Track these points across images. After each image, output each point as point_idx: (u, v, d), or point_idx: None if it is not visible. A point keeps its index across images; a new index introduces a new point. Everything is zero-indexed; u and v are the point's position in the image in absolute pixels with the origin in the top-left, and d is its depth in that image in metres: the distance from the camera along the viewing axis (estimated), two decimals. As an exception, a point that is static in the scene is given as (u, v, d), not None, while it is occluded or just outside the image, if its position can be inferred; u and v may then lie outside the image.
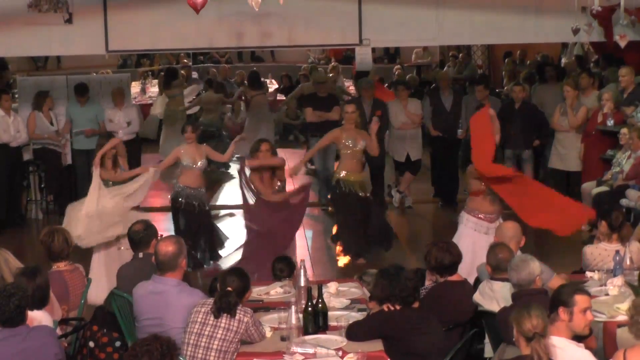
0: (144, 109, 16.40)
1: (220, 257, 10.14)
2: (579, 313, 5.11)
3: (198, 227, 9.90)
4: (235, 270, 5.98)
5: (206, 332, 5.58)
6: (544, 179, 12.62)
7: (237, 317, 5.59)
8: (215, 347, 5.55)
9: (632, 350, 4.72)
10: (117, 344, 6.61)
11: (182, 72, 18.67)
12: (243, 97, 16.66)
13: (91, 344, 6.58)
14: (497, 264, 6.17)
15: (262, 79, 17.21)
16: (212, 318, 5.60)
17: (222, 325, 5.58)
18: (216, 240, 10.17)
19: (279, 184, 9.26)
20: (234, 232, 10.66)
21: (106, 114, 12.89)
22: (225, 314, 5.58)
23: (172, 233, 9.50)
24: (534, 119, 12.38)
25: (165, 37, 11.85)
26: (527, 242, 7.01)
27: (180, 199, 9.81)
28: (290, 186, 10.49)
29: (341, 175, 10.18)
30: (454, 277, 6.55)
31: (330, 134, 10.45)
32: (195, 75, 20.41)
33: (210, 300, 5.71)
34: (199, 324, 5.61)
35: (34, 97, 12.53)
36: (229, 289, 5.66)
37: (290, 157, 15.62)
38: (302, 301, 6.06)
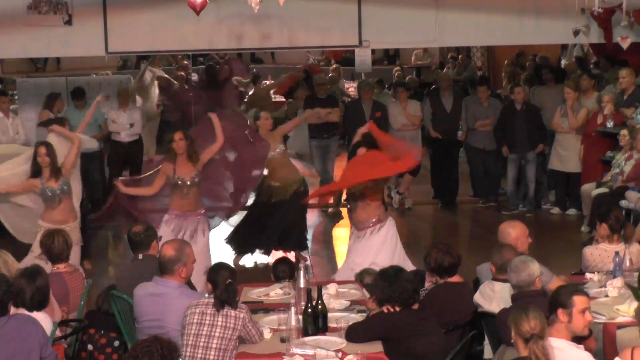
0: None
1: None
2: (577, 314, 5.11)
3: None
4: (222, 264, 6.07)
5: (204, 332, 5.58)
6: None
7: (233, 314, 5.61)
8: (214, 345, 5.55)
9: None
10: (116, 343, 6.63)
11: (182, 73, 18.64)
12: None
13: (90, 347, 6.58)
14: (502, 264, 6.16)
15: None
16: (208, 318, 5.61)
17: (219, 323, 5.59)
18: None
19: (195, 174, 8.89)
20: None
21: (110, 115, 12.87)
22: (221, 312, 5.59)
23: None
24: (536, 121, 12.38)
25: (165, 38, 11.84)
26: (528, 243, 7.00)
27: None
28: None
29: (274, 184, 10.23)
30: (453, 279, 6.55)
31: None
32: (194, 76, 20.39)
33: (204, 300, 5.72)
34: (195, 325, 5.62)
35: (45, 98, 12.52)
36: (230, 280, 5.72)
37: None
38: (302, 303, 6.06)
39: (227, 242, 10.51)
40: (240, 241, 10.42)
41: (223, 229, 10.24)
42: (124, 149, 12.80)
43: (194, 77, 20.22)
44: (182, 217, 8.84)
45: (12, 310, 5.67)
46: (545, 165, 12.57)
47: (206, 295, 5.99)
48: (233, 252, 10.50)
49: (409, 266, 8.07)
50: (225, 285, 5.69)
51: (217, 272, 5.86)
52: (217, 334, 5.58)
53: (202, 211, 9.04)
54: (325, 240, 11.39)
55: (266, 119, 10.32)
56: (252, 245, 10.36)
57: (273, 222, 10.14)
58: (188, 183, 8.77)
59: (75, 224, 8.94)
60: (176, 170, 8.77)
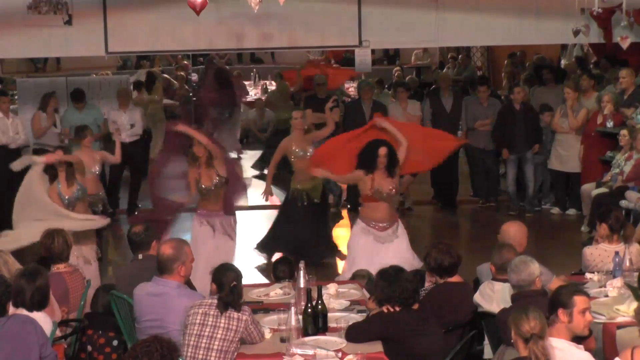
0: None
1: None
2: (578, 314, 5.12)
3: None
4: (228, 266, 6.00)
5: (206, 333, 5.58)
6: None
7: (235, 315, 5.60)
8: (215, 347, 5.55)
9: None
10: (115, 343, 6.63)
11: (182, 73, 18.66)
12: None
13: (89, 347, 6.58)
14: (502, 264, 6.16)
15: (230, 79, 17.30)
16: (211, 319, 5.60)
17: (222, 325, 5.58)
18: None
19: (217, 178, 8.81)
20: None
21: (110, 116, 12.86)
22: (224, 314, 5.58)
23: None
24: (535, 120, 12.39)
25: (164, 38, 11.84)
26: (526, 243, 7.01)
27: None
28: None
29: (298, 186, 10.26)
30: (453, 279, 6.55)
31: (279, 147, 10.38)
32: (194, 76, 20.40)
33: (207, 301, 5.71)
34: (197, 325, 5.61)
35: (40, 98, 12.52)
36: (234, 283, 5.68)
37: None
38: (302, 302, 6.06)
39: (258, 247, 10.58)
40: (269, 244, 10.48)
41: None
42: (124, 149, 12.75)
43: (194, 77, 20.25)
44: (210, 216, 8.85)
45: (12, 310, 5.67)
46: (545, 165, 12.58)
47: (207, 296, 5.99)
48: (260, 253, 10.54)
49: (419, 264, 8.08)
50: (230, 287, 5.66)
51: (222, 274, 5.79)
52: (219, 336, 5.57)
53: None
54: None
55: (300, 117, 10.30)
56: (280, 249, 10.32)
57: (302, 228, 10.18)
58: (212, 188, 8.76)
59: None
60: (200, 176, 8.74)
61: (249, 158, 15.74)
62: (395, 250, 8.58)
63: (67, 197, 8.67)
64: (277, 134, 15.31)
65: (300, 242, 10.11)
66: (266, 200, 10.48)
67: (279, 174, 11.02)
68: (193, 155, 8.71)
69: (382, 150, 8.52)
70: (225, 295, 5.63)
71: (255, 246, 10.68)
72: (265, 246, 10.63)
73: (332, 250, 10.56)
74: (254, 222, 11.90)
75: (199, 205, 8.91)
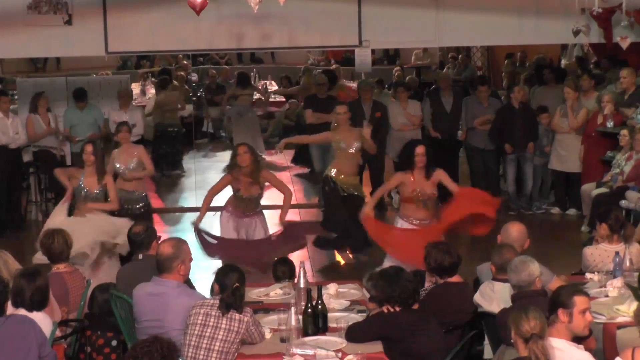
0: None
1: None
2: (578, 314, 5.11)
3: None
4: (232, 267, 5.97)
5: (207, 334, 5.57)
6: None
7: (237, 317, 5.59)
8: (216, 348, 5.55)
9: None
10: (114, 343, 6.64)
11: (182, 73, 18.66)
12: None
13: (88, 348, 6.58)
14: (502, 264, 6.16)
15: (251, 80, 17.40)
16: (212, 319, 5.59)
17: (223, 326, 5.58)
18: None
19: (259, 192, 8.92)
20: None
21: (111, 116, 12.87)
22: (226, 315, 5.58)
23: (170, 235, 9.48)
24: (533, 121, 12.39)
25: (165, 38, 11.83)
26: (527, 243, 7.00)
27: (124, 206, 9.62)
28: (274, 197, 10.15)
29: (332, 172, 10.16)
30: (453, 279, 6.55)
31: (323, 133, 10.46)
32: (194, 76, 20.41)
33: (209, 301, 5.70)
34: (199, 326, 5.61)
35: (30, 101, 12.51)
36: (237, 285, 5.66)
37: (289, 158, 15.74)
38: (302, 303, 6.07)
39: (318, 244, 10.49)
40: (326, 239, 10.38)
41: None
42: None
43: (194, 77, 20.26)
44: (240, 217, 8.87)
45: (12, 310, 5.68)
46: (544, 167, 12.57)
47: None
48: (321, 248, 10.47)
49: None
50: (232, 289, 5.65)
51: (226, 275, 5.77)
52: (220, 337, 5.57)
53: (259, 210, 9.08)
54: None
55: (344, 113, 10.25)
56: (339, 243, 10.35)
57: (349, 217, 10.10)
58: (249, 198, 8.78)
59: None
60: (240, 184, 8.75)
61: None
62: None
63: (93, 192, 8.70)
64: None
65: (349, 227, 10.09)
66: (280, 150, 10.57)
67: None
68: (235, 164, 8.74)
69: (420, 149, 8.59)
70: (227, 297, 5.62)
71: (314, 243, 10.56)
72: (322, 241, 10.46)
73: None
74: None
75: (229, 202, 8.95)
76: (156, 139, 15.54)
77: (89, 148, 8.82)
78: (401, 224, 8.77)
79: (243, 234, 8.89)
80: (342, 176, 10.12)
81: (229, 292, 5.63)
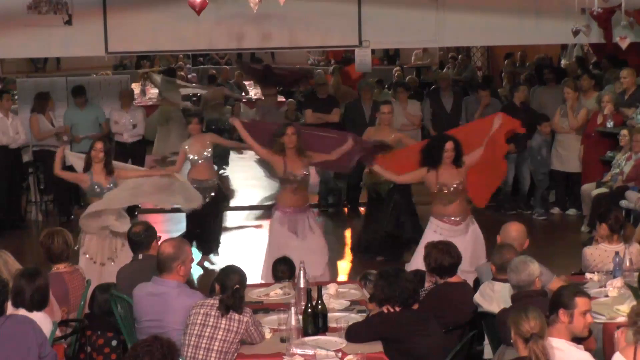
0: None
1: (210, 252, 10.34)
2: (579, 315, 5.11)
3: (206, 217, 10.02)
4: (234, 267, 5.94)
5: (206, 334, 5.57)
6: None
7: (237, 317, 5.59)
8: (216, 348, 5.54)
9: None
10: (114, 343, 6.64)
11: (181, 73, 18.69)
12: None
13: (88, 348, 6.59)
14: (502, 264, 6.16)
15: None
16: (212, 319, 5.59)
17: (223, 326, 5.58)
18: (213, 236, 10.26)
19: (307, 171, 8.89)
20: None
21: (112, 116, 12.87)
22: (225, 315, 5.58)
23: (171, 235, 9.48)
24: (534, 120, 12.40)
25: (165, 38, 11.84)
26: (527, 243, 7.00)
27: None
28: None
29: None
30: (453, 279, 6.55)
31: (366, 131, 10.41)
32: (194, 76, 20.44)
33: (209, 301, 5.70)
34: (198, 326, 5.61)
35: (34, 98, 12.50)
36: (237, 286, 5.66)
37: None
38: (302, 302, 6.06)
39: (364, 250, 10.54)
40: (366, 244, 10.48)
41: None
42: (127, 149, 12.79)
43: (194, 76, 20.31)
44: (294, 214, 8.84)
45: (11, 310, 5.68)
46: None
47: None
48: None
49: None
50: (232, 290, 5.64)
51: (227, 276, 5.76)
52: (219, 337, 5.57)
53: (308, 206, 9.08)
54: (328, 241, 11.34)
55: (389, 112, 10.31)
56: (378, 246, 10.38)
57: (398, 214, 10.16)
58: (299, 179, 8.78)
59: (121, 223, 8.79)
60: (287, 165, 8.76)
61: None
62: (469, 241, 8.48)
63: (105, 186, 8.69)
64: None
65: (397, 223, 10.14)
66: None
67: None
68: (281, 144, 8.75)
69: (449, 145, 8.44)
70: (226, 298, 5.62)
71: (354, 249, 10.63)
72: (362, 247, 10.55)
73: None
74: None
75: (281, 200, 8.94)
76: None
77: (100, 145, 8.83)
78: (436, 224, 8.55)
79: (299, 231, 8.85)
80: (374, 179, 10.18)
81: (229, 293, 5.63)
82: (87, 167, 8.77)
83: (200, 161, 10.01)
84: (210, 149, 10.09)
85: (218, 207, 10.42)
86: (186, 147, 10.04)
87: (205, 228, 10.20)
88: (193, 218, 10.07)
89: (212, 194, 10.08)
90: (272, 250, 8.62)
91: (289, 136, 8.72)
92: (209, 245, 10.40)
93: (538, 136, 12.23)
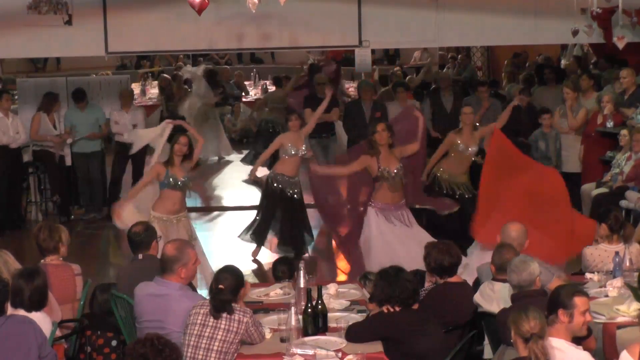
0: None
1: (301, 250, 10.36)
2: (578, 315, 5.11)
3: (291, 216, 10.15)
4: (228, 268, 5.92)
5: (206, 334, 5.57)
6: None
7: (236, 317, 5.58)
8: (215, 348, 5.54)
9: None
10: (114, 343, 6.63)
11: (180, 73, 18.68)
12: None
13: (88, 348, 6.58)
14: (502, 264, 6.17)
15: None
16: (211, 319, 5.59)
17: (222, 326, 5.58)
18: (303, 233, 10.38)
19: (400, 165, 8.98)
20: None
21: (112, 116, 12.85)
22: (224, 315, 5.58)
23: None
24: (536, 120, 12.40)
25: (165, 38, 11.85)
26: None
27: (275, 184, 10.07)
28: None
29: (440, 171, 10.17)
30: (453, 279, 6.55)
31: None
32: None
33: (209, 302, 5.70)
34: (198, 326, 5.60)
35: (42, 97, 12.49)
36: (221, 286, 5.63)
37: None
38: (302, 302, 6.07)
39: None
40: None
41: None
42: (127, 149, 12.78)
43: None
44: (389, 211, 8.91)
45: (11, 310, 5.67)
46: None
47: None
48: None
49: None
50: (216, 291, 5.59)
51: (216, 277, 5.74)
52: (219, 337, 5.56)
53: (403, 202, 9.13)
54: (329, 241, 11.34)
55: (470, 113, 10.33)
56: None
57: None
58: (393, 174, 8.80)
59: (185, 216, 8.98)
60: (380, 162, 8.79)
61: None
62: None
63: (179, 179, 8.73)
64: None
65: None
66: None
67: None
68: (373, 142, 8.83)
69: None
70: (212, 299, 5.60)
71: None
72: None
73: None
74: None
75: (375, 197, 9.00)
76: (258, 133, 16.01)
77: (185, 140, 8.82)
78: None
79: (397, 223, 8.93)
80: (447, 176, 10.17)
81: (212, 295, 5.61)
82: (167, 162, 8.81)
83: (300, 154, 10.17)
84: (304, 147, 10.27)
85: (302, 203, 10.48)
86: (286, 140, 10.15)
87: (294, 224, 10.31)
88: (285, 216, 10.20)
89: (296, 189, 10.24)
90: (375, 243, 8.78)
91: (380, 133, 8.80)
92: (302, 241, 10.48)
93: (536, 130, 12.29)
